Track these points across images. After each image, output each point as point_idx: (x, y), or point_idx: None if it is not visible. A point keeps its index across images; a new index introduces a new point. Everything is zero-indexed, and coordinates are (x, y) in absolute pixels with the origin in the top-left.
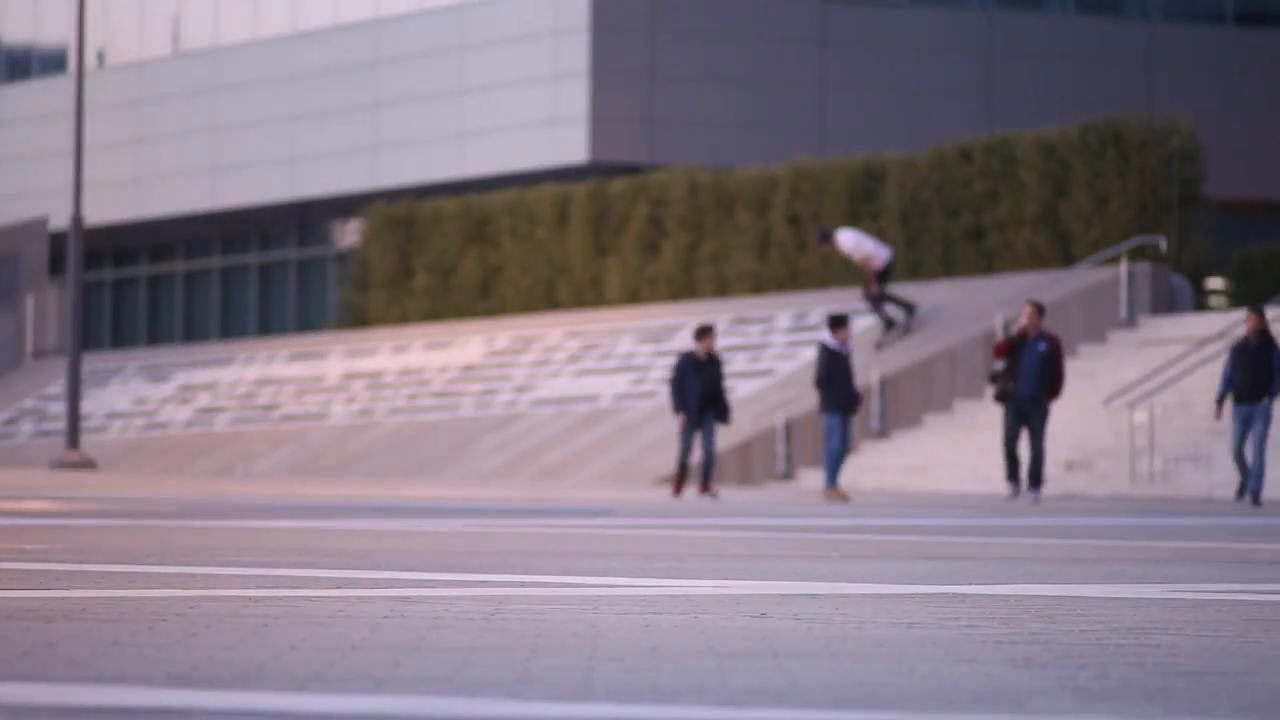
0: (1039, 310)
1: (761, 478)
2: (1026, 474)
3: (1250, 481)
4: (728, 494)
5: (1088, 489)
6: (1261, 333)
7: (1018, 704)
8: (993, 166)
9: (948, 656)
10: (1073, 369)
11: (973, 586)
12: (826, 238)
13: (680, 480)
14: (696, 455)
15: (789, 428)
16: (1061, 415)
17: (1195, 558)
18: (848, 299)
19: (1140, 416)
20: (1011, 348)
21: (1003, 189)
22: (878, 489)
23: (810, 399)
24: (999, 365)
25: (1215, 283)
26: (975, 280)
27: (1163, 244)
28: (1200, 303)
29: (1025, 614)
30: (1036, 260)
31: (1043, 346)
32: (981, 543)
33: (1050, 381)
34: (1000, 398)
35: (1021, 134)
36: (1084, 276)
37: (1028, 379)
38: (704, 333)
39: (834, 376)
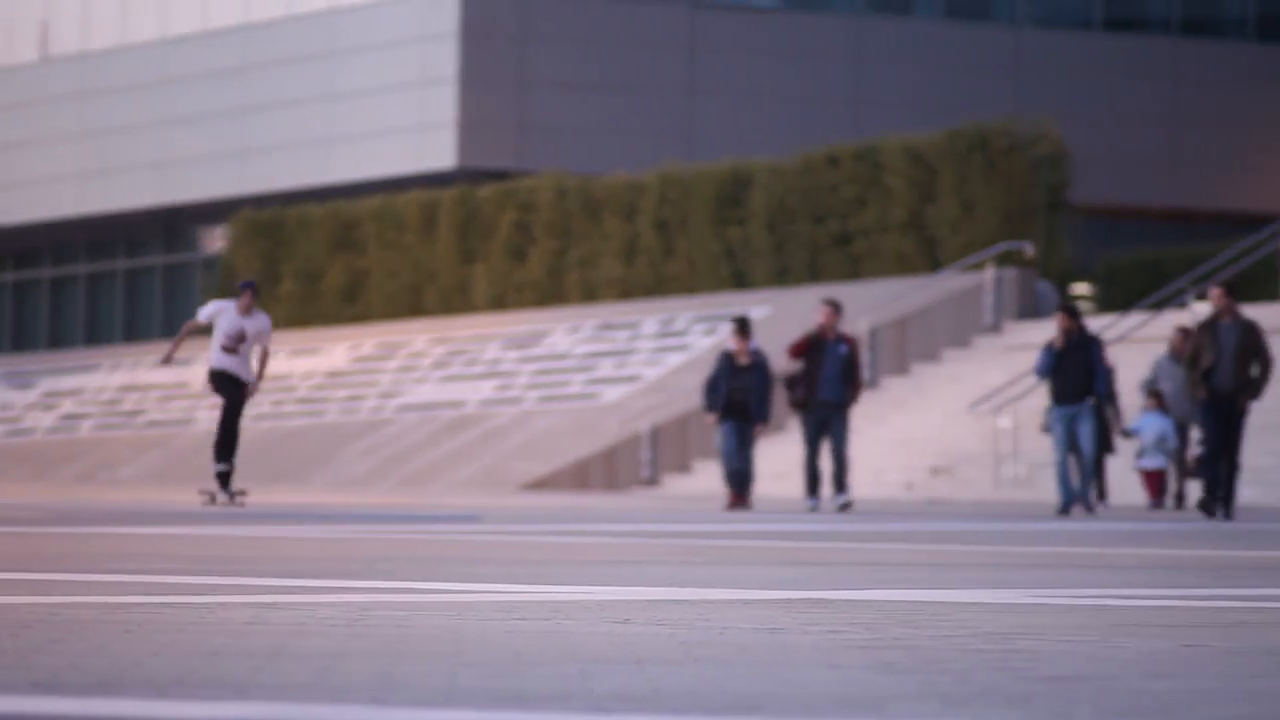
0: (837, 310)
1: (627, 483)
2: (831, 482)
3: (1081, 487)
4: (592, 500)
5: (952, 494)
6: (1073, 333)
7: (880, 709)
8: (860, 172)
9: (810, 662)
10: (938, 374)
11: (836, 592)
12: None
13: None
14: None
15: (655, 434)
16: (926, 420)
17: (1058, 563)
18: (717, 305)
19: (1004, 422)
20: (809, 349)
21: (870, 195)
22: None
23: (675, 404)
24: (796, 368)
25: (1081, 288)
26: (842, 286)
27: (1029, 249)
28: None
29: (888, 619)
30: (903, 266)
31: (843, 349)
32: (845, 548)
33: (851, 385)
34: (799, 405)
35: (889, 140)
36: (950, 282)
37: (829, 385)
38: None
39: (720, 381)
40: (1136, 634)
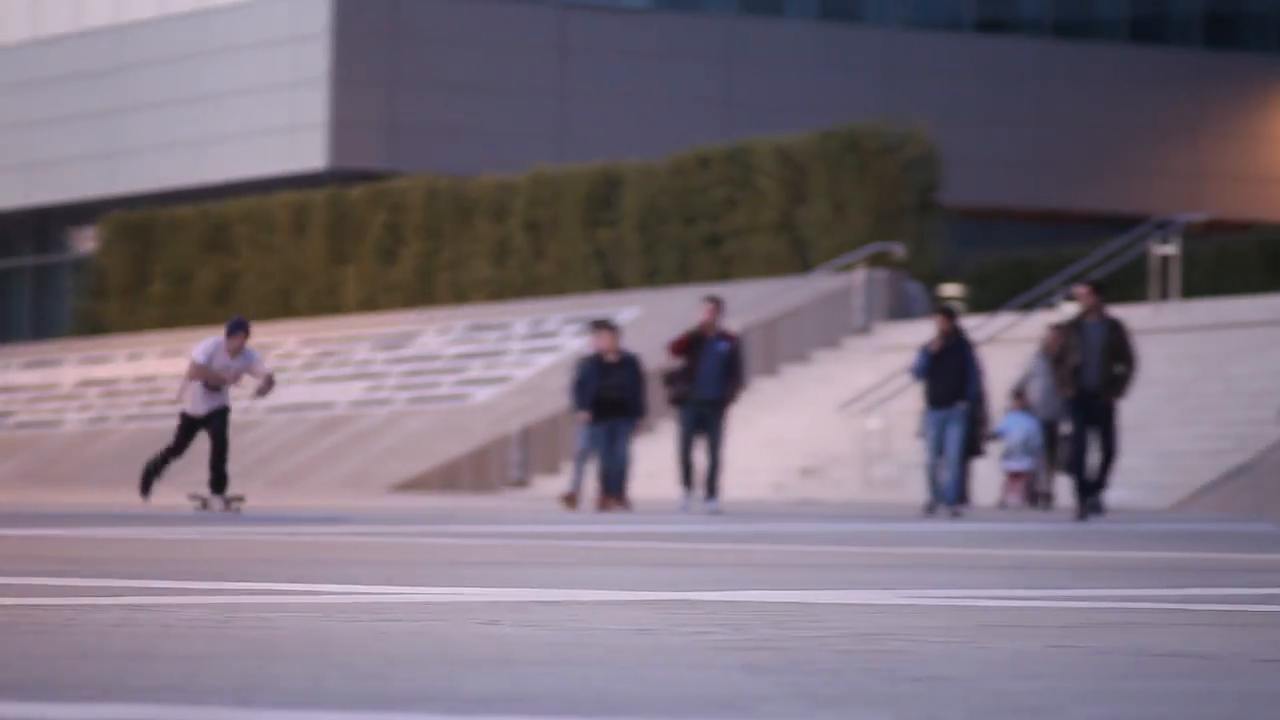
0: (718, 306)
1: (496, 484)
2: (703, 483)
3: (946, 489)
4: (462, 501)
5: (821, 495)
6: (950, 335)
7: (748, 710)
8: (731, 173)
9: (679, 663)
10: (808, 375)
11: (705, 593)
12: None
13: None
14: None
15: (524, 434)
16: (796, 421)
17: (927, 564)
18: (588, 306)
19: (874, 423)
20: (690, 346)
21: (740, 196)
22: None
23: (545, 405)
24: (676, 365)
25: (951, 289)
26: (712, 287)
27: (899, 251)
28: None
29: (757, 620)
30: (774, 267)
31: (723, 346)
32: (715, 549)
33: (732, 382)
34: (677, 401)
35: (760, 141)
36: (821, 283)
37: (708, 382)
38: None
39: (583, 381)
40: (1004, 634)
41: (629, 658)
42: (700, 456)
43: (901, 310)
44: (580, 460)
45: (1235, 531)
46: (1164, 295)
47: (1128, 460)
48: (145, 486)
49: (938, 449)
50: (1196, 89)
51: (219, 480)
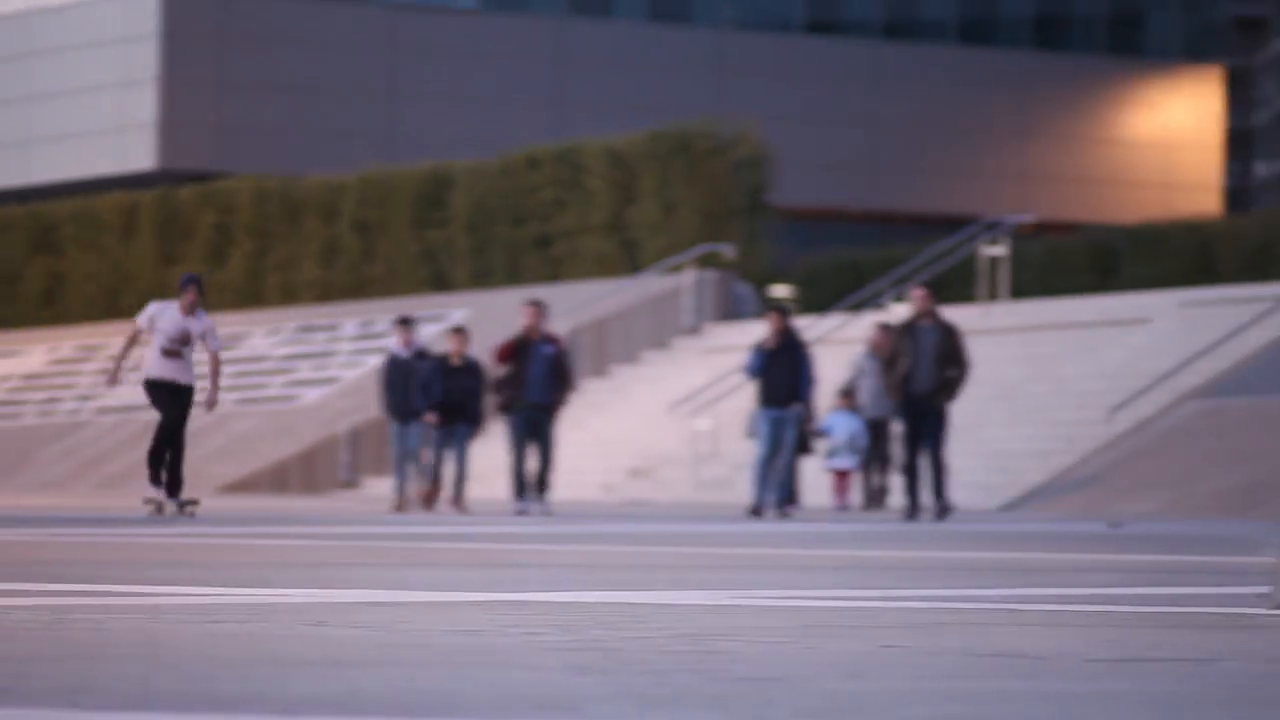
0: (541, 310)
1: (326, 485)
2: (536, 484)
3: (779, 486)
4: (291, 503)
5: (651, 495)
6: (783, 334)
7: (576, 710)
8: (560, 174)
9: (508, 663)
10: (638, 376)
11: (534, 594)
12: None
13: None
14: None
15: (353, 436)
16: (625, 422)
17: (756, 564)
18: (417, 307)
19: (704, 423)
20: (516, 352)
21: (570, 197)
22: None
23: (374, 406)
24: (502, 371)
25: (781, 290)
26: (542, 288)
27: (729, 252)
28: (765, 310)
29: (586, 621)
30: (603, 268)
31: (549, 349)
32: (543, 550)
33: (560, 385)
34: (506, 408)
35: (589, 142)
36: (650, 284)
37: (536, 386)
38: (456, 333)
39: (393, 382)
40: (833, 634)
41: (458, 658)
42: (531, 462)
43: (731, 311)
44: (402, 462)
45: (1064, 531)
46: (993, 296)
47: (957, 461)
48: (155, 476)
49: (773, 448)
50: (1025, 91)
51: (174, 482)
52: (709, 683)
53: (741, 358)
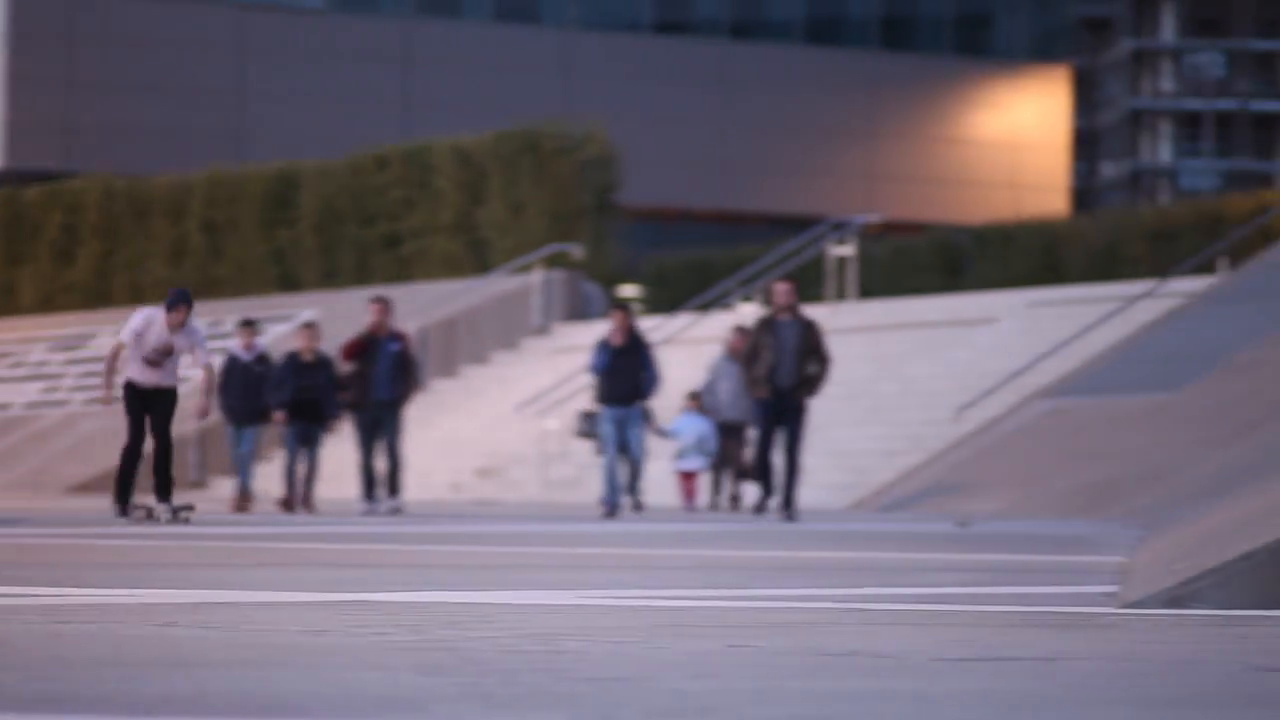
0: (387, 307)
1: (175, 485)
2: (384, 482)
3: (630, 486)
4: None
5: (500, 495)
6: (629, 331)
7: (423, 710)
8: (409, 174)
9: (356, 663)
10: (486, 376)
11: (382, 594)
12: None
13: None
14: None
15: (202, 435)
16: (474, 422)
17: (604, 564)
18: (266, 307)
19: (552, 423)
20: (362, 349)
21: (419, 197)
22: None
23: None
24: (349, 369)
25: (629, 290)
26: (391, 288)
27: (577, 252)
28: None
29: (434, 621)
30: (452, 268)
31: (395, 346)
32: (392, 550)
33: (406, 383)
34: (353, 407)
35: (438, 141)
36: (499, 284)
37: (383, 383)
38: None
39: (231, 384)
40: (681, 634)
41: (305, 659)
42: (380, 459)
43: (579, 311)
44: (245, 461)
45: (912, 531)
46: (840, 296)
47: (806, 460)
48: (124, 507)
49: (617, 448)
50: (873, 91)
51: (164, 485)
52: (557, 682)
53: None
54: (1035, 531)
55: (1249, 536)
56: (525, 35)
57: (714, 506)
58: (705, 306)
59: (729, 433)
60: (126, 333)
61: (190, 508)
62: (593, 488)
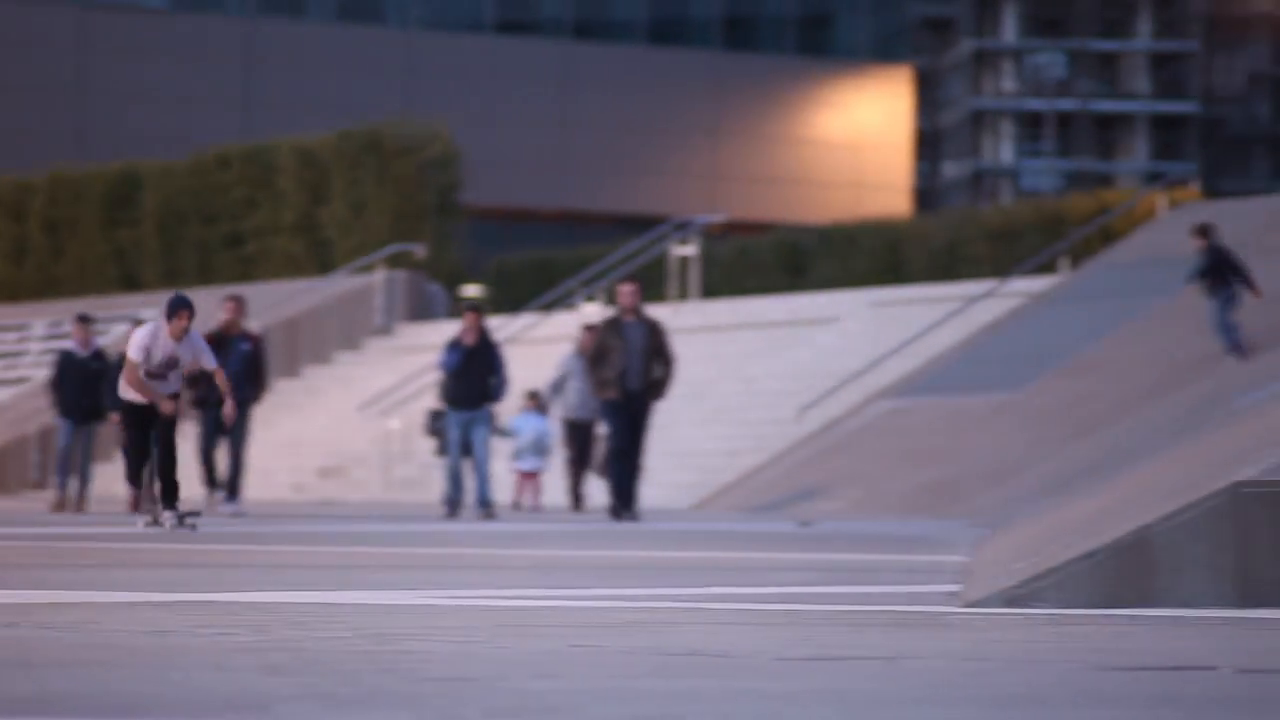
0: (240, 305)
1: (17, 486)
2: (225, 483)
3: (479, 490)
4: None
5: (343, 495)
6: (480, 331)
7: (266, 711)
8: (251, 174)
9: (199, 664)
10: (329, 376)
11: (225, 594)
12: None
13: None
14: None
15: (42, 436)
16: (317, 422)
17: (449, 564)
18: (107, 307)
19: (395, 423)
20: (213, 347)
21: (261, 196)
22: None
23: None
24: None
25: (472, 290)
26: (233, 288)
27: (420, 251)
28: (456, 310)
29: (277, 621)
30: (294, 268)
31: (246, 346)
32: (235, 550)
33: (255, 383)
34: (199, 404)
35: (280, 141)
36: (341, 284)
37: (233, 382)
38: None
39: (65, 380)
40: (525, 634)
41: (148, 659)
42: (222, 458)
43: (423, 311)
44: (66, 459)
45: (755, 531)
46: (683, 295)
47: (649, 460)
48: (143, 499)
49: (461, 449)
50: (716, 91)
51: (169, 491)
52: (401, 682)
53: (433, 357)
54: (877, 531)
55: (1088, 536)
56: (368, 35)
57: (581, 508)
58: (549, 306)
59: (581, 431)
60: (136, 351)
61: (197, 513)
62: (436, 487)
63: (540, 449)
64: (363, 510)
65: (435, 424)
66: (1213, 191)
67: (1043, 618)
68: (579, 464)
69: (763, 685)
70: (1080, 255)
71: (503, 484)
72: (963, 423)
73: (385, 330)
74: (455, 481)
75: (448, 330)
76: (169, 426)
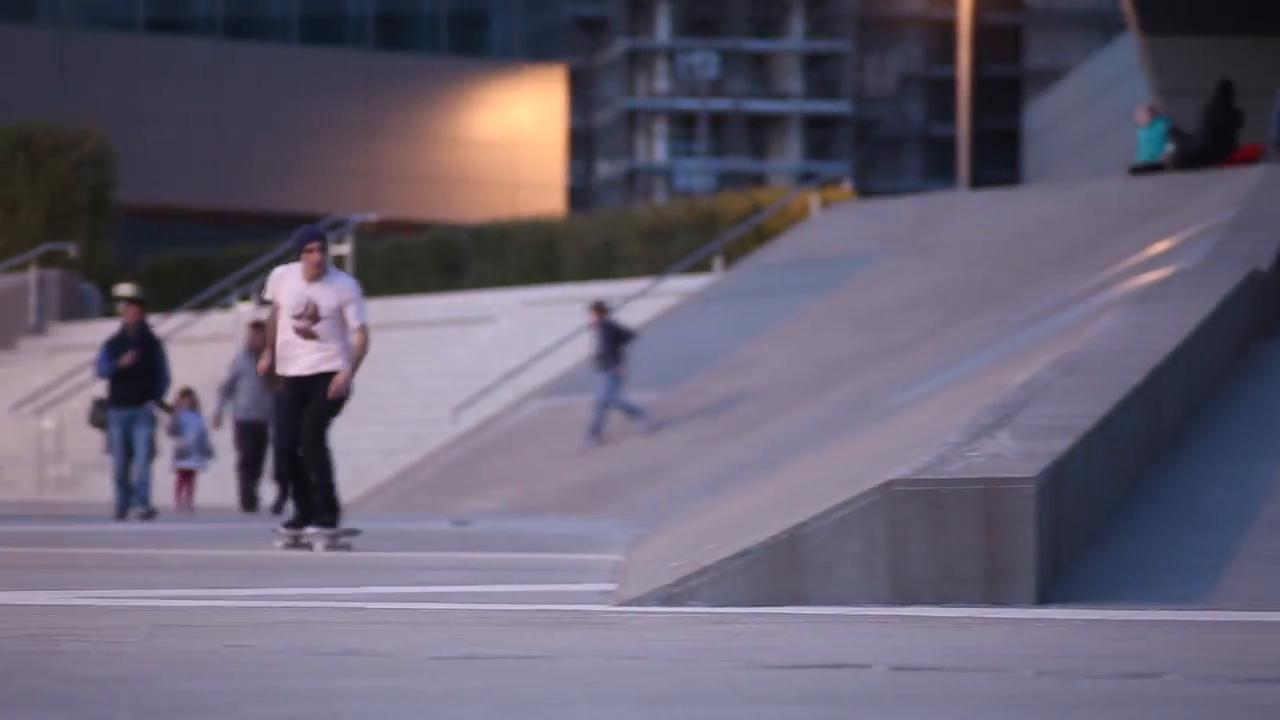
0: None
1: None
2: None
3: (138, 490)
4: None
5: None
6: (141, 326)
7: None
8: None
9: None
10: None
11: None
12: None
13: None
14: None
15: None
16: None
17: (106, 564)
18: None
19: (49, 423)
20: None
21: None
22: None
23: None
24: None
25: (126, 289)
26: None
27: (72, 250)
28: (110, 309)
29: None
30: None
31: None
32: None
33: None
34: None
35: None
36: None
37: None
38: None
39: None
40: (179, 634)
41: None
42: None
43: (77, 310)
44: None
45: (409, 530)
46: None
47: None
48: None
49: (125, 449)
50: (369, 90)
51: (329, 505)
52: (54, 684)
53: (88, 356)
54: (533, 530)
55: (744, 534)
56: (19, 33)
57: (277, 509)
58: (203, 306)
59: (253, 431)
60: (268, 292)
61: (356, 532)
62: (91, 488)
63: (203, 448)
64: (16, 510)
65: (99, 414)
66: (865, 190)
67: (698, 616)
68: (251, 465)
69: (418, 685)
70: (734, 255)
71: (163, 484)
72: (618, 421)
73: (39, 330)
74: (123, 486)
75: (101, 329)
76: (323, 411)
